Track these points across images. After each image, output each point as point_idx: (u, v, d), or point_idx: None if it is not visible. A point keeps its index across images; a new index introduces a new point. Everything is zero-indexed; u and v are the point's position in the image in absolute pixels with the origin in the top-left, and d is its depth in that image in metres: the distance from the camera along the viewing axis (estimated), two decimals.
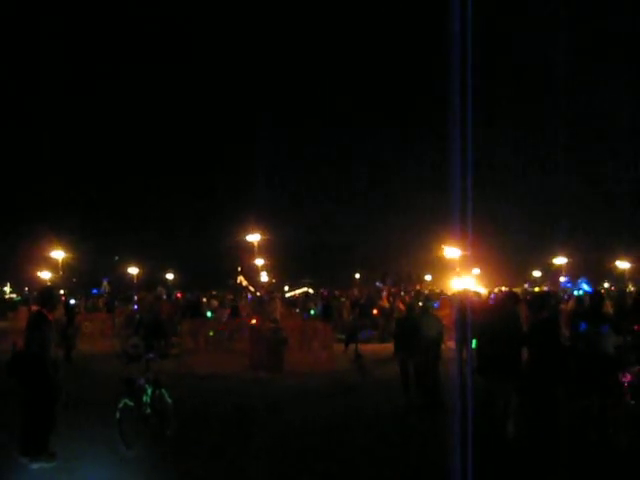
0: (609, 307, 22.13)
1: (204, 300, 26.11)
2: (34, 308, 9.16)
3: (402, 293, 25.95)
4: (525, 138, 50.27)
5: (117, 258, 54.52)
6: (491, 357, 8.44)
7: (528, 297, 16.11)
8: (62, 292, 34.71)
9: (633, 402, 8.07)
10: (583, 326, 8.88)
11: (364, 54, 64.59)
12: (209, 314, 23.86)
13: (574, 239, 41.00)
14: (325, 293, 31.05)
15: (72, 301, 23.84)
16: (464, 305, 15.25)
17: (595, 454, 7.67)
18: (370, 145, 67.50)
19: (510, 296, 9.75)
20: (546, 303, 9.80)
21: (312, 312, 23.45)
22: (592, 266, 44.95)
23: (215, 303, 25.82)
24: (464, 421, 8.40)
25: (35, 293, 30.19)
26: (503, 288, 28.81)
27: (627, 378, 8.17)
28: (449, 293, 28.07)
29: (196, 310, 23.19)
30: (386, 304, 25.55)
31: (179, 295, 31.55)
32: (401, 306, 24.78)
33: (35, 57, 59.30)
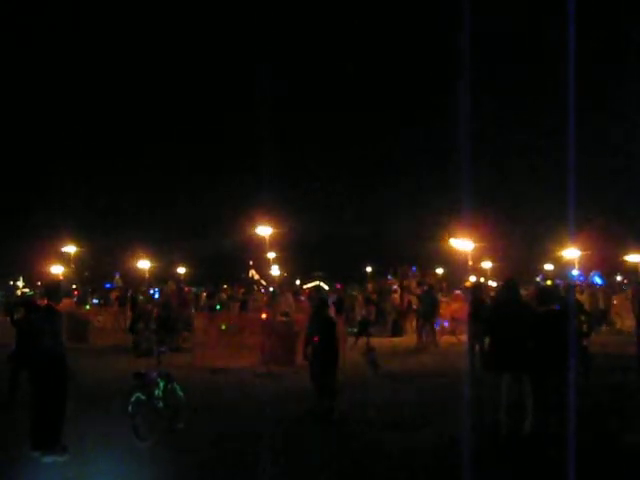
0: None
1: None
2: (42, 302, 9.17)
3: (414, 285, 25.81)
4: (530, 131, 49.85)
5: (128, 252, 54.64)
6: (505, 352, 8.37)
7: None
8: (74, 286, 34.88)
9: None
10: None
11: (375, 35, 64.26)
12: (218, 307, 23.93)
13: (586, 232, 40.61)
14: (339, 287, 30.78)
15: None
16: (477, 299, 15.17)
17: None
18: (381, 136, 67.06)
19: (508, 284, 9.49)
20: (552, 296, 9.75)
21: None
22: (604, 259, 44.58)
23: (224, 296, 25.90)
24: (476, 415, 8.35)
25: (41, 287, 30.27)
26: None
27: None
28: (464, 285, 27.92)
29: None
30: (397, 299, 25.56)
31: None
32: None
33: (39, 45, 59.08)
